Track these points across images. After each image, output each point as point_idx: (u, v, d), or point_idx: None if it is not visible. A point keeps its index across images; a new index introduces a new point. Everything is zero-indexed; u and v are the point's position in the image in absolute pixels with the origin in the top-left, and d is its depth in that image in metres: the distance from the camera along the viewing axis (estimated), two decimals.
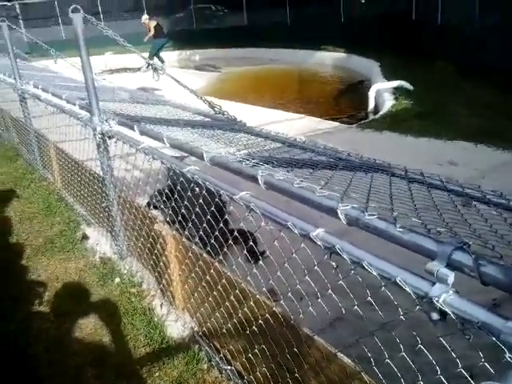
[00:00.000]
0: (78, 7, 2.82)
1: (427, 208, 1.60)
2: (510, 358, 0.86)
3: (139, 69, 15.01)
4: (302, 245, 1.49)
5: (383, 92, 9.20)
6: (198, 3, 23.19)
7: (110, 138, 3.01)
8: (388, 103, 8.57)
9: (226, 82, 14.26)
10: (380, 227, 1.24)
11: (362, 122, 7.97)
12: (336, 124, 7.96)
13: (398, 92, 9.06)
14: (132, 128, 2.74)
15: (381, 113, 8.28)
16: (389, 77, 10.30)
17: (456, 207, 1.63)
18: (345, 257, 1.28)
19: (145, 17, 15.65)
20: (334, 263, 1.36)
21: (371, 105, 9.19)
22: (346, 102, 10.76)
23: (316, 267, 1.50)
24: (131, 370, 2.43)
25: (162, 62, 15.23)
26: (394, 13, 15.13)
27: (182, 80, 4.08)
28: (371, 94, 9.26)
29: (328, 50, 16.06)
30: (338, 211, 1.33)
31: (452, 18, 11.73)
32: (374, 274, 1.20)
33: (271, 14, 20.17)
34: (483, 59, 9.25)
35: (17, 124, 6.41)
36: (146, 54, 13.39)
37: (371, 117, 8.51)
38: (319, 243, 1.37)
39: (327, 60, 15.66)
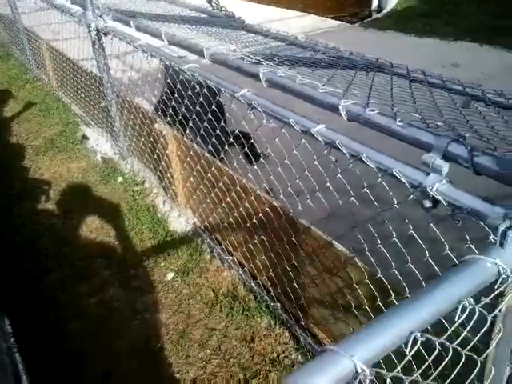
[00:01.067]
0: None
1: (427, 107, 1.62)
2: (493, 238, 0.94)
3: None
4: (303, 141, 1.53)
5: None
6: None
7: (105, 34, 2.92)
8: (393, 1, 8.16)
9: None
10: (380, 122, 1.26)
11: (365, 20, 7.65)
12: (338, 23, 7.65)
13: None
14: (128, 24, 2.65)
15: (385, 11, 7.93)
16: None
17: (455, 105, 1.65)
18: (344, 151, 1.32)
19: None
20: (333, 158, 1.41)
21: (375, 2, 8.73)
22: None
23: (315, 162, 1.55)
24: (138, 260, 2.58)
25: None
26: None
27: None
28: None
29: None
30: (340, 107, 1.35)
31: None
32: (372, 166, 1.25)
33: None
34: None
35: (4, 21, 6.13)
36: None
37: (375, 15, 8.15)
38: (320, 139, 1.40)
39: None
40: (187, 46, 2.17)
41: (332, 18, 7.96)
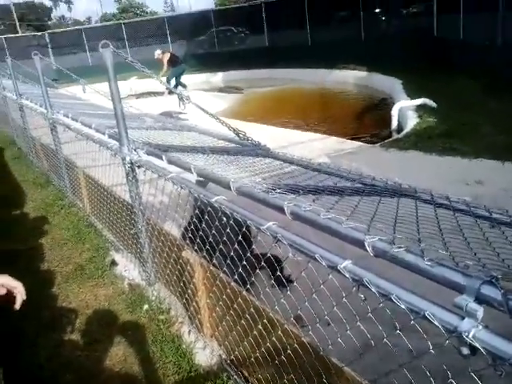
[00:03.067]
0: (108, 42, 2.93)
1: (454, 233, 1.60)
2: None
3: (163, 93, 15.31)
4: (330, 276, 1.50)
5: (406, 110, 9.15)
6: (220, 26, 23.73)
7: (138, 167, 3.09)
8: (411, 121, 8.52)
9: (248, 103, 14.44)
10: (408, 260, 1.24)
11: (386, 141, 7.92)
12: (359, 144, 7.93)
13: (421, 110, 9.00)
14: (160, 157, 2.81)
15: (404, 131, 8.23)
16: (412, 95, 10.26)
17: (484, 235, 1.62)
18: (373, 289, 1.29)
19: (157, 52, 15.40)
20: (362, 295, 1.37)
21: (394, 123, 9.13)
22: (369, 121, 10.74)
23: (344, 299, 1.51)
24: None
25: (184, 86, 15.52)
26: (416, 29, 15.21)
27: (205, 102, 4.19)
28: (394, 112, 9.22)
29: (349, 68, 16.13)
30: (366, 243, 1.34)
31: (474, 33, 11.70)
32: (403, 307, 1.21)
33: (292, 35, 20.50)
34: (507, 75, 9.15)
35: (47, 151, 6.61)
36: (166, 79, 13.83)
37: (395, 136, 8.45)
38: (347, 275, 1.38)
39: (349, 79, 15.71)
40: (215, 179, 2.26)
41: (353, 139, 8.29)
